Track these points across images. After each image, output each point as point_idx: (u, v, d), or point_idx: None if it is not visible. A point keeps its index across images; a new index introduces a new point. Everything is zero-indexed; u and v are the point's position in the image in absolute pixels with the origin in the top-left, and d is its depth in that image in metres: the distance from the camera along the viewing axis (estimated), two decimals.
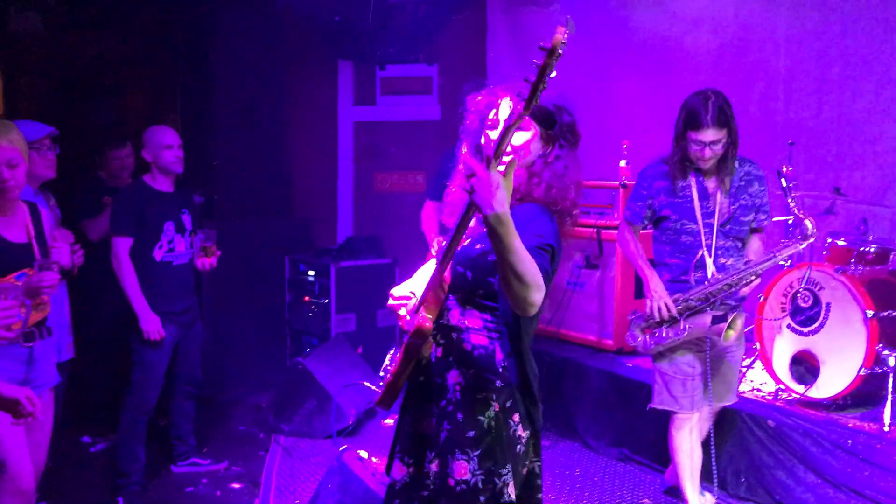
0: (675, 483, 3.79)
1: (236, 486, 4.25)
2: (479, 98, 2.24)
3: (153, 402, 4.10)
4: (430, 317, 2.11)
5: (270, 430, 4.92)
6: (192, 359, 4.32)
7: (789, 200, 3.41)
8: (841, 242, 4.43)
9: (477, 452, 2.10)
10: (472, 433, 2.11)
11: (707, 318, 3.33)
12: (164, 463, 4.43)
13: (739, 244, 3.46)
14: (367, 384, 2.50)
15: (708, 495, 3.89)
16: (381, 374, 2.35)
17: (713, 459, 3.56)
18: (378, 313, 5.95)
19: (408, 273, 6.26)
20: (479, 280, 2.14)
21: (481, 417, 2.12)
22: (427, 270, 2.35)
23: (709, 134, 3.26)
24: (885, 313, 3.87)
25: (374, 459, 4.37)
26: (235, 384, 5.67)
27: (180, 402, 4.37)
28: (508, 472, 2.11)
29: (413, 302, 2.21)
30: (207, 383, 5.29)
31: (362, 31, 5.93)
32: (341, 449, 3.37)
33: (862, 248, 4.29)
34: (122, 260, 3.95)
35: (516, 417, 2.15)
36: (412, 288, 2.27)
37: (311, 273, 5.86)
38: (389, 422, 5.11)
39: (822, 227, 4.73)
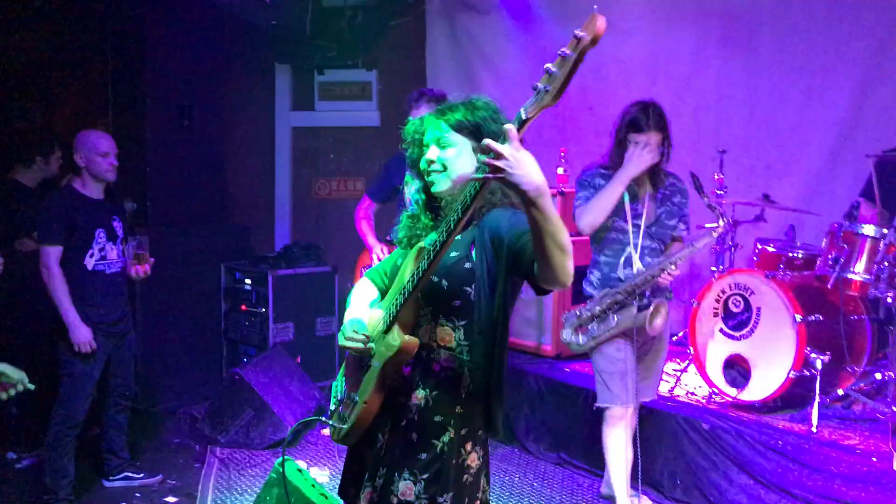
0: (609, 492, 3.84)
1: (171, 500, 4.15)
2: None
3: (82, 415, 3.98)
4: (409, 335, 2.03)
5: (206, 442, 4.82)
6: (125, 370, 4.21)
7: (703, 198, 3.63)
8: (770, 249, 4.56)
9: (425, 476, 2.05)
10: (423, 455, 2.05)
11: (633, 310, 3.52)
12: (96, 478, 4.30)
13: (662, 247, 3.65)
14: (322, 419, 2.34)
15: (645, 498, 3.97)
16: (334, 407, 2.23)
17: (639, 460, 3.65)
18: (317, 321, 5.89)
19: (348, 281, 6.20)
20: (455, 289, 2.05)
21: (435, 441, 2.06)
22: (363, 292, 2.29)
23: (650, 137, 3.46)
24: (813, 317, 3.99)
25: (313, 469, 4.34)
26: (170, 396, 5.54)
27: (112, 414, 4.25)
28: (451, 497, 2.05)
29: (372, 327, 2.11)
30: (141, 395, 5.17)
31: (300, 35, 5.88)
32: (280, 460, 3.31)
33: (790, 254, 4.43)
34: (52, 269, 3.82)
35: (468, 446, 2.09)
36: (360, 315, 2.18)
37: (248, 281, 5.77)
38: (321, 418, 5.06)
39: (752, 233, 4.89)
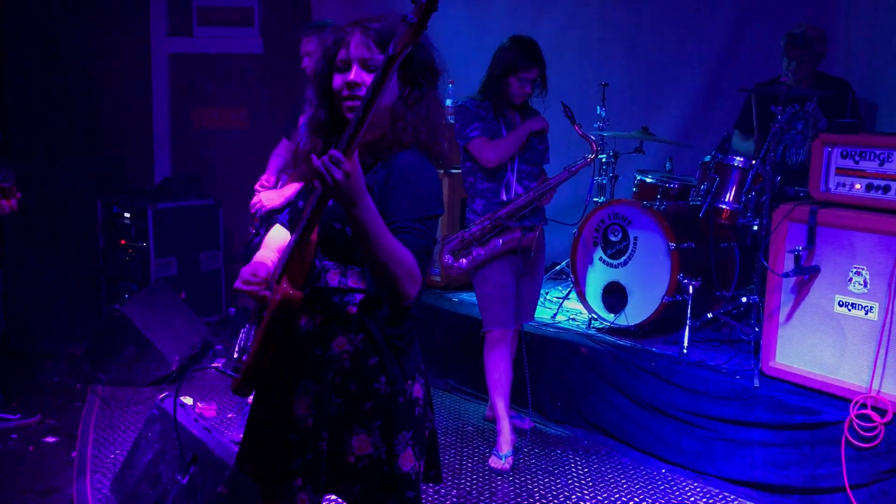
0: (493, 414, 3.99)
1: (51, 439, 4.03)
2: (323, 37, 1.99)
3: None
4: (297, 286, 1.86)
5: (87, 381, 4.68)
6: None
7: (576, 127, 3.81)
8: (648, 179, 4.72)
9: (378, 423, 1.94)
10: (369, 404, 1.93)
11: (517, 233, 3.67)
12: None
13: (537, 170, 3.86)
14: (219, 369, 2.16)
15: (527, 419, 4.14)
16: (236, 356, 2.11)
17: (528, 383, 3.81)
18: (201, 256, 5.75)
19: (233, 215, 6.08)
20: None
21: (376, 385, 1.94)
22: (279, 234, 2.15)
23: (533, 72, 3.66)
24: (685, 245, 4.19)
25: (198, 405, 4.30)
26: (46, 335, 5.33)
27: None
28: (411, 436, 1.97)
29: (268, 276, 1.96)
30: (14, 335, 4.95)
31: None
32: (162, 396, 3.26)
33: (667, 185, 4.60)
34: None
35: (410, 379, 1.99)
36: (265, 258, 2.03)
37: (127, 215, 5.55)
38: (217, 367, 5.00)
39: (632, 165, 5.04)
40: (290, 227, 2.11)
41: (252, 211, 4.06)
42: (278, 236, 2.15)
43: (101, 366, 4.70)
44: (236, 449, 2.93)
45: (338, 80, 1.92)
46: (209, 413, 4.22)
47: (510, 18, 5.62)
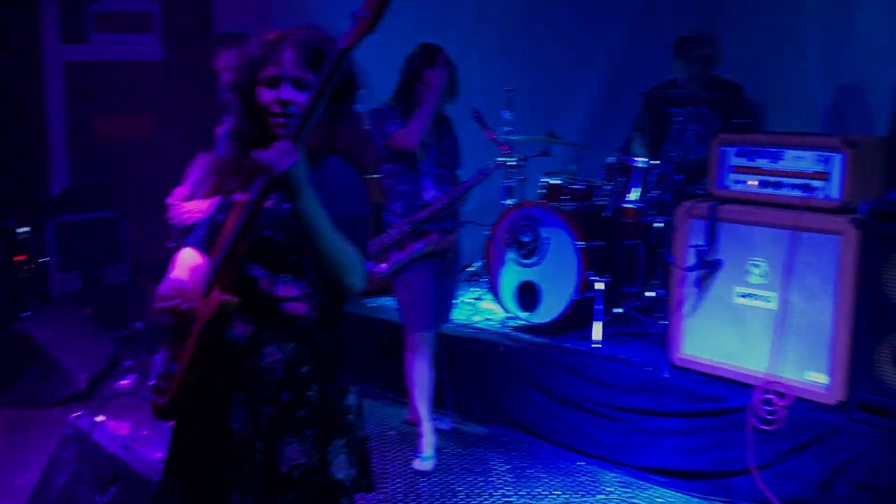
0: (414, 417, 4.04)
1: None
2: (246, 49, 1.98)
3: None
4: (231, 294, 1.86)
5: None
6: None
7: (486, 131, 3.98)
8: (554, 181, 4.86)
9: (311, 432, 1.94)
10: (302, 412, 1.93)
11: (435, 236, 3.76)
12: None
13: (452, 174, 3.95)
14: (139, 395, 2.08)
15: (447, 421, 4.20)
16: (155, 381, 2.04)
17: (446, 385, 3.88)
18: (106, 270, 5.57)
19: (141, 226, 5.89)
20: (293, 242, 1.90)
21: (310, 393, 1.95)
22: (189, 256, 2.09)
23: (444, 74, 3.74)
24: (594, 243, 4.33)
25: (112, 423, 4.16)
26: None
27: None
28: (344, 444, 1.99)
29: (194, 287, 1.94)
30: None
31: None
32: (76, 415, 3.15)
33: (573, 186, 4.75)
34: None
35: (342, 386, 2.02)
36: (184, 271, 2.01)
37: (25, 229, 5.31)
38: (126, 382, 4.86)
39: (539, 168, 5.18)
40: (206, 243, 2.06)
41: (175, 222, 3.97)
42: (189, 257, 2.09)
43: (2, 388, 4.51)
44: (160, 465, 2.88)
45: (267, 96, 1.92)
46: (122, 431, 4.10)
47: (415, 25, 5.66)
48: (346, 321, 2.07)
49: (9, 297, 5.44)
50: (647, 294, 4.37)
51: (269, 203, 1.85)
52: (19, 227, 5.32)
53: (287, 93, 1.90)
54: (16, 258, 5.34)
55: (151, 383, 2.05)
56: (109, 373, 4.95)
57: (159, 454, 3.59)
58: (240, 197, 1.94)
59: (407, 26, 5.76)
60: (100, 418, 3.74)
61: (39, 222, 5.26)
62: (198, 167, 4.11)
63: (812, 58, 4.98)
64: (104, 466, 2.82)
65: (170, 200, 3.97)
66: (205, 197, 3.67)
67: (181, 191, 3.98)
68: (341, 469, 1.97)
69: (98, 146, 5.93)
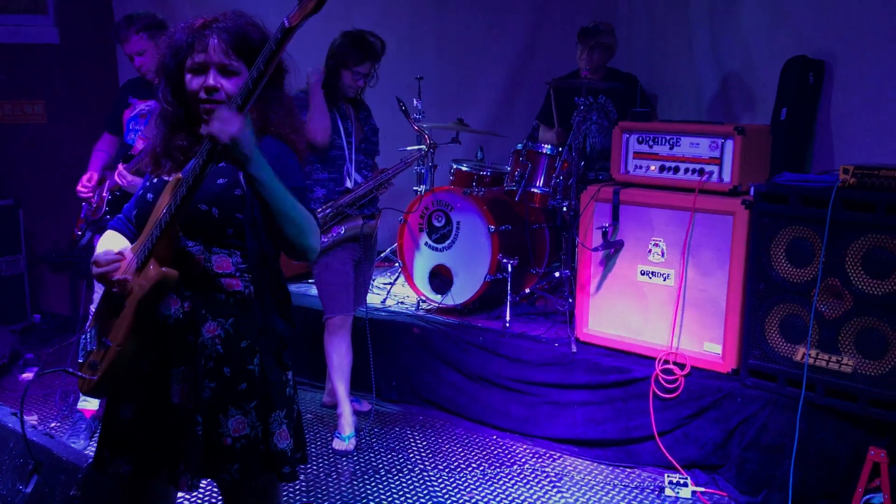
0: (331, 400, 4.11)
1: None
2: (171, 35, 2.03)
3: None
4: (168, 267, 1.89)
5: None
6: None
7: (410, 120, 4.14)
8: (464, 168, 5.00)
9: (253, 404, 2.00)
10: (243, 385, 1.99)
11: (359, 220, 3.86)
12: None
13: (371, 161, 4.05)
14: (70, 371, 2.05)
15: (364, 402, 4.29)
16: (83, 359, 2.05)
17: (371, 367, 3.99)
18: (1, 261, 5.35)
19: (37, 215, 5.69)
20: (226, 217, 1.97)
21: (250, 367, 2.00)
22: (114, 237, 2.12)
23: (365, 66, 3.83)
24: (503, 227, 4.50)
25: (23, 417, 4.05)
26: None
27: None
28: (284, 415, 2.05)
29: (129, 261, 1.97)
30: None
31: None
32: None
33: (481, 173, 4.90)
34: None
35: (279, 360, 2.07)
36: (114, 248, 2.02)
37: None
38: (28, 375, 4.72)
39: (448, 154, 5.31)
40: (135, 223, 2.11)
41: (93, 203, 3.88)
42: (114, 239, 2.12)
43: None
44: (84, 452, 2.87)
45: (194, 83, 1.98)
46: (32, 422, 4.00)
47: (322, 12, 5.69)
48: (286, 293, 2.12)
49: None
50: (553, 274, 4.57)
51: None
52: None
53: (214, 79, 1.97)
54: None
55: (80, 361, 2.07)
56: (10, 366, 4.80)
57: (68, 443, 3.55)
58: (171, 177, 1.99)
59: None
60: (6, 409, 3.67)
61: None
62: (102, 150, 4.04)
63: (699, 49, 5.28)
64: (24, 455, 2.77)
65: (78, 188, 3.89)
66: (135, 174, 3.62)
67: (88, 176, 3.91)
68: (283, 439, 2.05)
69: None
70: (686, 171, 3.79)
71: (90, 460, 2.66)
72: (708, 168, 3.71)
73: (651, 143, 3.90)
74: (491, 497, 3.46)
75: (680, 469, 3.58)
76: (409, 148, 4.06)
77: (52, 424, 4.07)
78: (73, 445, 3.41)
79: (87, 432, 3.86)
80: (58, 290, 5.84)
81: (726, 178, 3.67)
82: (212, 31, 1.98)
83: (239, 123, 1.75)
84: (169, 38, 2.05)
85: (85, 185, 3.85)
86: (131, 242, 2.08)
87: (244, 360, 2.01)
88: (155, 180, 2.08)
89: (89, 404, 3.92)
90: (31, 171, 5.66)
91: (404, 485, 3.55)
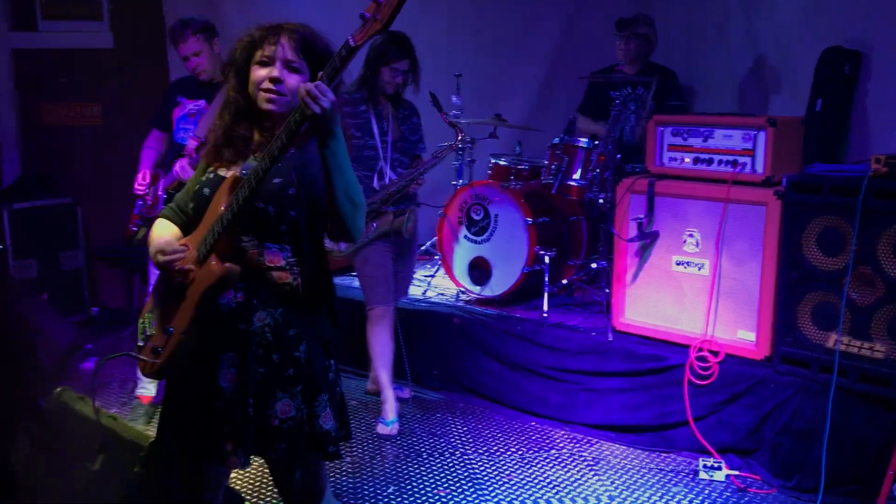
0: (375, 388, 4.27)
1: None
2: (250, 32, 2.18)
3: None
4: (229, 262, 2.06)
5: None
6: None
7: (442, 115, 4.25)
8: (502, 162, 5.12)
9: (299, 388, 2.14)
10: (290, 371, 2.14)
11: (390, 216, 4.00)
12: None
13: (409, 160, 4.16)
14: (134, 355, 2.23)
15: (407, 390, 4.44)
16: (143, 342, 2.21)
17: (404, 356, 4.21)
18: (61, 256, 5.63)
19: (92, 212, 5.94)
20: (280, 214, 2.11)
21: (297, 353, 2.14)
22: (163, 227, 2.25)
23: (404, 63, 3.95)
24: (540, 220, 4.61)
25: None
26: None
27: None
28: (327, 399, 2.18)
29: (190, 253, 2.12)
30: None
31: None
32: (57, 391, 3.28)
33: (518, 167, 5.01)
34: None
35: (324, 347, 2.21)
36: (177, 239, 2.19)
37: None
38: (89, 365, 4.97)
39: (487, 149, 5.43)
40: (193, 215, 2.23)
41: (148, 200, 4.09)
42: (167, 228, 2.26)
43: None
44: (145, 433, 3.07)
45: (260, 74, 2.14)
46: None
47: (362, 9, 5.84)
48: (332, 286, 2.26)
49: None
50: (590, 266, 4.67)
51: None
52: None
53: (280, 71, 2.12)
54: None
55: (141, 345, 2.23)
56: (71, 356, 5.05)
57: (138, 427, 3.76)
58: (227, 173, 2.15)
59: (354, 9, 5.95)
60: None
61: None
62: (151, 147, 4.24)
63: (736, 40, 5.31)
64: (92, 436, 2.97)
65: (136, 187, 4.09)
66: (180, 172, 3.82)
67: (142, 175, 4.11)
68: (327, 421, 2.19)
69: (49, 134, 5.96)
70: (719, 162, 3.86)
71: (151, 440, 2.87)
72: (741, 160, 3.78)
73: (685, 135, 3.97)
74: (529, 479, 3.59)
75: (714, 453, 3.66)
76: (441, 144, 4.19)
77: (112, 411, 4.28)
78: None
79: (144, 417, 4.07)
80: (114, 284, 6.10)
81: (759, 169, 3.73)
82: (283, 31, 2.16)
83: (329, 98, 1.93)
84: (241, 36, 2.21)
85: (140, 184, 4.06)
86: (182, 231, 2.25)
87: (291, 348, 2.15)
88: (211, 175, 2.22)
89: (146, 391, 4.14)
90: (87, 170, 5.91)
91: (445, 467, 3.70)
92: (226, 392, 2.13)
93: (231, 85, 2.20)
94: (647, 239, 4.02)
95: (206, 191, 2.19)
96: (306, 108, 1.91)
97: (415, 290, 4.93)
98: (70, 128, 5.93)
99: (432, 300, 4.86)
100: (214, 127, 2.25)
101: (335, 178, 2.02)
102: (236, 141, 2.20)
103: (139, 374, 4.07)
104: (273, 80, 2.11)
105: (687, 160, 3.96)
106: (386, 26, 1.84)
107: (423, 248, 5.62)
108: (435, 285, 5.10)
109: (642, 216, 3.99)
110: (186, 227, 2.25)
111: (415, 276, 5.18)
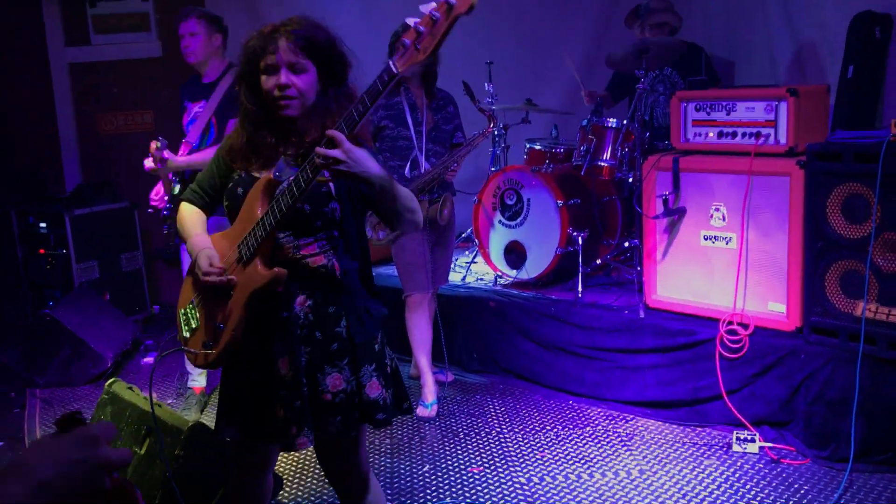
0: (417, 372, 4.39)
1: None
2: (248, 42, 2.22)
3: None
4: (267, 265, 2.15)
5: (24, 385, 4.84)
6: None
7: (475, 102, 4.26)
8: (537, 147, 5.17)
9: (346, 361, 2.21)
10: (335, 346, 2.22)
11: (426, 204, 4.06)
12: None
13: (444, 150, 4.20)
14: (186, 349, 2.37)
15: (449, 374, 4.56)
16: (189, 335, 2.30)
17: (442, 341, 4.27)
18: (122, 258, 5.92)
19: (148, 215, 6.20)
20: (316, 212, 2.20)
21: (338, 329, 2.22)
22: (193, 218, 2.36)
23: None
24: (572, 202, 4.65)
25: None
26: None
27: None
28: (374, 368, 2.25)
29: (231, 253, 2.20)
30: None
31: None
32: (109, 382, 3.50)
33: (553, 150, 5.06)
34: None
35: (365, 320, 2.26)
36: (207, 245, 2.26)
37: (43, 224, 5.69)
38: (149, 360, 5.24)
39: (523, 134, 5.49)
40: (228, 212, 2.31)
41: (159, 205, 4.29)
42: (193, 216, 2.37)
43: (36, 370, 4.87)
44: (186, 419, 3.25)
45: (269, 83, 2.19)
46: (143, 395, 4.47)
47: (398, 3, 5.94)
48: (368, 257, 2.34)
49: (35, 288, 5.83)
50: (624, 244, 4.70)
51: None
52: (41, 223, 5.70)
53: (286, 77, 2.16)
54: (40, 251, 5.72)
55: (187, 336, 2.34)
56: (132, 352, 5.34)
57: (191, 415, 3.97)
58: (259, 173, 2.24)
59: (390, 5, 6.06)
60: (133, 386, 4.12)
61: (58, 217, 5.62)
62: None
63: (774, 12, 5.24)
64: (140, 422, 3.18)
65: (152, 198, 4.29)
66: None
67: (156, 191, 4.32)
68: (374, 390, 2.26)
69: (105, 142, 6.27)
70: (743, 135, 3.84)
71: (191, 424, 3.06)
72: (764, 131, 3.76)
73: (708, 110, 3.97)
74: (562, 455, 3.67)
75: (749, 426, 3.67)
76: (473, 133, 4.26)
77: (169, 402, 4.53)
78: (185, 417, 3.83)
79: (197, 406, 4.29)
80: (171, 282, 6.38)
81: (782, 139, 3.71)
82: (280, 33, 2.18)
83: (351, 149, 1.98)
84: (243, 47, 2.25)
85: (154, 198, 4.27)
86: (205, 212, 2.38)
87: (332, 324, 2.23)
88: (243, 174, 2.29)
89: (197, 382, 4.36)
90: (143, 175, 6.18)
91: (480, 445, 3.80)
92: (285, 379, 2.23)
93: (245, 97, 2.26)
94: (674, 215, 4.03)
95: (240, 190, 2.25)
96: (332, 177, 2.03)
97: (455, 277, 5.04)
98: (124, 135, 6.22)
99: (471, 285, 4.96)
100: (238, 136, 2.30)
101: (388, 202, 2.13)
102: (261, 148, 2.26)
103: (188, 366, 4.31)
104: (281, 87, 2.15)
105: (711, 134, 3.96)
106: (428, 57, 1.86)
107: (463, 235, 5.72)
108: (475, 271, 5.20)
109: (668, 192, 4.01)
110: (210, 207, 2.39)
111: (455, 262, 5.32)
